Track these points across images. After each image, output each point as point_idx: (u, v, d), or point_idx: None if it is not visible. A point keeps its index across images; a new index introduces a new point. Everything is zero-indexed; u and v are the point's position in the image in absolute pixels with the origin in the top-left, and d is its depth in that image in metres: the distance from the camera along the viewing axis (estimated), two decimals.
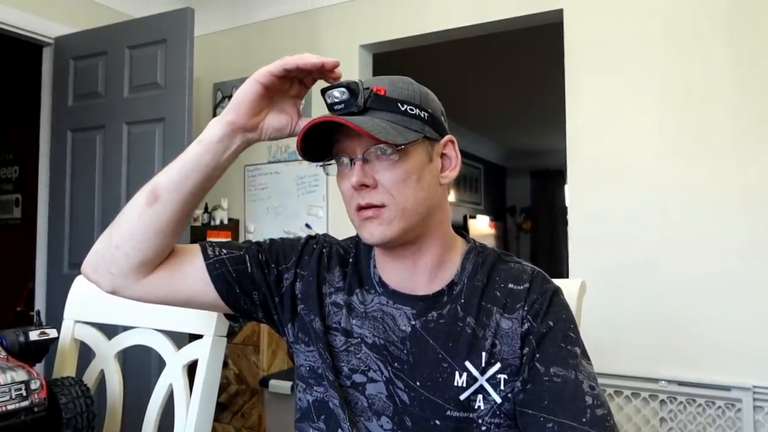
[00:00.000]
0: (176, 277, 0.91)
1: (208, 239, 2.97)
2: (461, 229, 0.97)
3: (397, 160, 0.82)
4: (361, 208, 0.83)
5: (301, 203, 3.13)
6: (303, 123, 0.88)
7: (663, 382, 2.24)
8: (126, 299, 0.94)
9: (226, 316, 1.01)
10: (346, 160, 0.84)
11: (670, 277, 2.26)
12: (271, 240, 0.99)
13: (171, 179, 0.87)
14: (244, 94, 0.86)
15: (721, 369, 2.17)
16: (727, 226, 2.19)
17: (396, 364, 0.86)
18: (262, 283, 0.92)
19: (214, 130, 0.87)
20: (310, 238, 0.99)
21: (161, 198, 0.86)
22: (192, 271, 0.91)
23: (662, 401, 2.26)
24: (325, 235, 1.00)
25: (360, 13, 2.99)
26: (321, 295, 0.92)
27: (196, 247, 0.93)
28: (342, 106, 0.82)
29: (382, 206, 0.82)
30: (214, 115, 3.34)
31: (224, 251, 0.92)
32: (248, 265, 0.92)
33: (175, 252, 0.92)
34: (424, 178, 0.84)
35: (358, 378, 0.88)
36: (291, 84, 0.88)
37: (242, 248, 0.94)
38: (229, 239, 3.08)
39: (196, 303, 0.95)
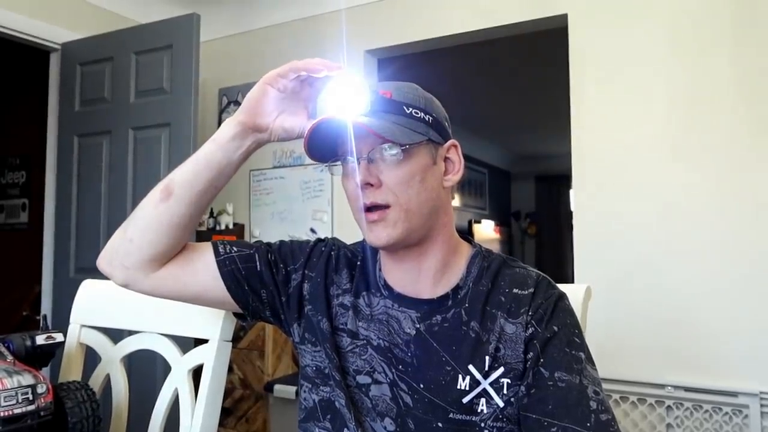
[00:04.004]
0: (187, 272, 0.93)
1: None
2: (466, 233, 0.97)
3: (402, 160, 0.83)
4: (366, 210, 0.85)
5: (306, 208, 3.14)
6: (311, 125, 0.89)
7: (669, 387, 2.23)
8: (136, 296, 0.96)
9: (235, 314, 1.02)
10: (351, 159, 0.85)
11: (676, 282, 2.26)
12: (281, 241, 1.01)
13: (185, 176, 0.90)
14: (253, 96, 0.89)
15: (728, 374, 2.16)
16: (733, 231, 2.18)
17: (400, 367, 0.87)
18: (270, 282, 0.94)
19: (226, 130, 0.90)
20: (319, 240, 1.00)
21: (175, 193, 0.89)
22: (203, 267, 0.93)
23: (668, 407, 2.25)
24: (334, 239, 1.01)
25: (365, 19, 3.00)
26: (328, 297, 0.93)
27: (208, 244, 0.96)
28: (348, 107, 0.83)
29: (387, 207, 0.84)
30: (220, 120, 3.36)
31: (235, 249, 0.95)
32: (257, 263, 0.94)
33: (187, 248, 0.95)
34: (427, 179, 0.85)
35: (363, 379, 0.89)
36: (300, 87, 0.90)
37: (252, 247, 0.97)
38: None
39: (206, 299, 0.97)
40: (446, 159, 0.90)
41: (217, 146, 0.90)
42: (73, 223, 2.82)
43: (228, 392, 2.81)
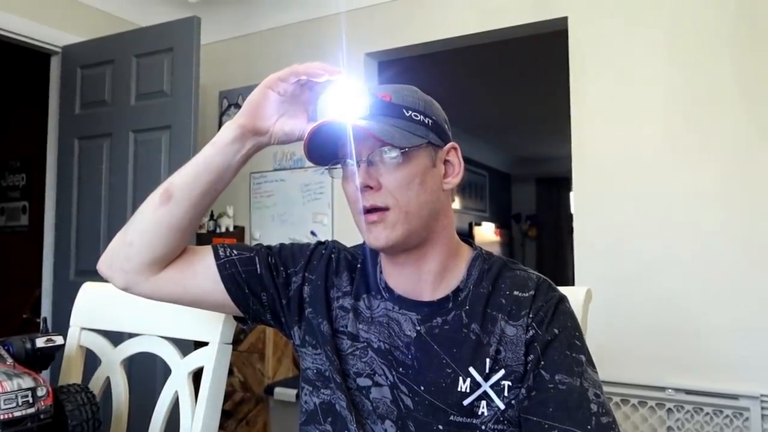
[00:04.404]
0: (187, 275, 0.93)
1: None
2: (466, 236, 0.97)
3: (401, 162, 0.83)
4: (366, 212, 0.85)
5: (307, 210, 3.14)
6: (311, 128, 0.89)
7: (670, 390, 2.23)
8: (136, 299, 0.96)
9: (235, 317, 1.02)
10: (351, 162, 0.85)
11: (677, 284, 2.25)
12: (282, 244, 1.01)
13: (184, 179, 0.90)
14: (254, 99, 0.89)
15: (728, 377, 2.16)
16: (734, 234, 2.18)
17: (401, 369, 0.87)
18: (270, 285, 0.94)
19: (226, 133, 0.90)
20: (319, 243, 1.00)
21: (174, 197, 0.89)
22: (203, 270, 0.93)
23: (669, 410, 2.24)
24: (334, 242, 1.01)
25: (365, 22, 3.00)
26: (329, 299, 0.93)
27: (208, 247, 0.96)
28: (348, 110, 0.83)
29: (386, 209, 0.84)
30: (220, 123, 3.36)
31: (235, 252, 0.95)
32: (257, 266, 0.94)
33: (187, 252, 0.95)
34: (427, 182, 0.86)
35: (363, 382, 0.88)
36: (301, 90, 0.90)
37: (253, 250, 0.97)
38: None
39: (206, 302, 0.97)
40: (446, 162, 0.90)
41: (217, 149, 0.90)
42: (73, 226, 2.82)
43: (228, 395, 2.81)
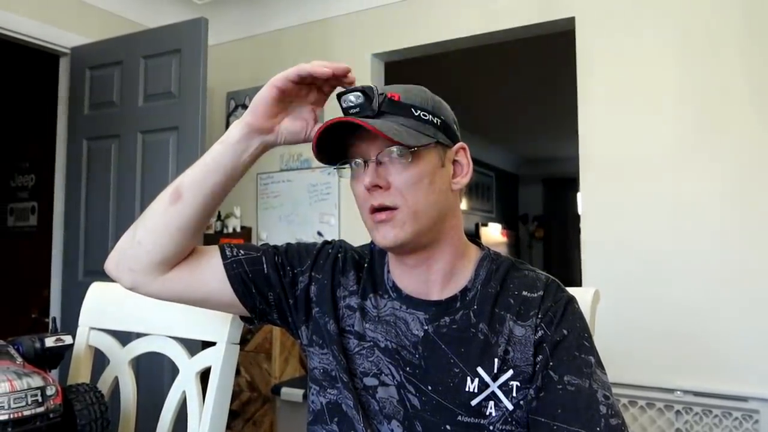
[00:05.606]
0: (195, 275, 0.93)
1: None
2: (473, 237, 0.97)
3: (410, 162, 0.83)
4: (374, 211, 0.84)
5: (313, 211, 3.14)
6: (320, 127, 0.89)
7: (678, 392, 2.22)
8: (144, 299, 0.96)
9: (242, 317, 1.02)
10: (360, 162, 0.85)
11: (686, 285, 2.24)
12: (288, 244, 1.01)
13: (194, 178, 0.90)
14: (261, 98, 0.89)
15: (738, 379, 2.14)
16: (743, 234, 2.17)
17: (408, 369, 0.86)
18: (277, 285, 0.94)
19: (233, 132, 0.90)
20: (326, 242, 1.00)
21: (184, 196, 0.89)
22: (210, 270, 0.93)
23: (678, 412, 2.23)
24: (341, 241, 1.01)
25: (372, 22, 3.00)
26: (335, 298, 0.93)
27: (215, 247, 0.96)
28: (357, 110, 0.83)
29: (395, 208, 0.83)
30: (227, 123, 3.37)
31: (242, 252, 0.95)
32: (264, 266, 0.94)
33: (194, 251, 0.95)
34: (435, 182, 0.85)
35: (370, 381, 0.88)
36: (308, 90, 0.90)
37: (259, 250, 0.97)
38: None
39: (213, 302, 0.97)
40: (455, 162, 0.90)
41: (225, 148, 0.90)
42: (81, 227, 2.84)
43: (235, 395, 2.81)
